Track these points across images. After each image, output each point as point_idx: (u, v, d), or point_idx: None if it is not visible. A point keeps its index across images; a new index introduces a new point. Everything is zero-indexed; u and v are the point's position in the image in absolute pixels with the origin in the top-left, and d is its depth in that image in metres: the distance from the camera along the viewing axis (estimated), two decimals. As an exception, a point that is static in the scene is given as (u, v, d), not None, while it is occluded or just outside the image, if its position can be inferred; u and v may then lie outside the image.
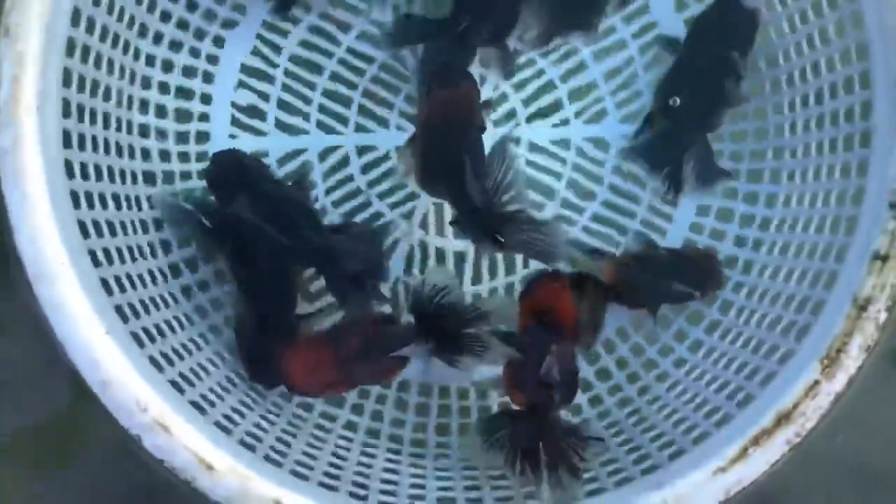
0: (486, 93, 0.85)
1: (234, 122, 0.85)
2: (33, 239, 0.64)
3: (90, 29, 0.72)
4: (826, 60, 0.78)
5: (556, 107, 0.86)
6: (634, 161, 0.83)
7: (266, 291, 0.76)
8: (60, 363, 0.64)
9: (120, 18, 0.76)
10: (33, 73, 0.66)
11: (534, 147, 0.86)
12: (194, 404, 0.68)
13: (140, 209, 0.77)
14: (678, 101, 0.81)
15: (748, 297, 0.80)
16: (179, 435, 0.64)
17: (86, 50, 0.72)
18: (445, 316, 0.72)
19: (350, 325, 0.74)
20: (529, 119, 0.86)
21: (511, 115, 0.86)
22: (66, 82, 0.69)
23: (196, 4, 0.84)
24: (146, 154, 0.81)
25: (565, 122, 0.86)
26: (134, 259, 0.74)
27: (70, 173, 0.69)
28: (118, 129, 0.78)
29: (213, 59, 0.85)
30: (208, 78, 0.85)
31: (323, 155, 0.85)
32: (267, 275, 0.75)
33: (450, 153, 0.72)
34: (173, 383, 0.68)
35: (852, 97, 0.74)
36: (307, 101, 0.85)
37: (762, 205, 0.83)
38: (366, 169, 0.85)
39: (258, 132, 0.85)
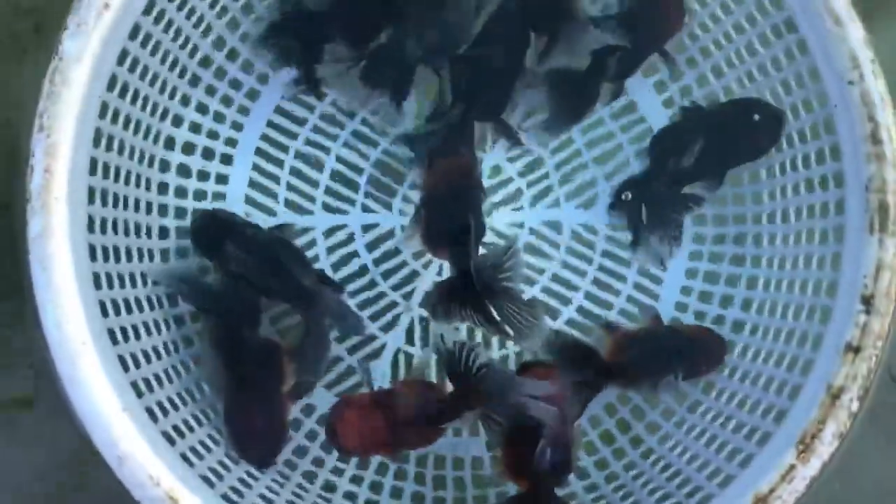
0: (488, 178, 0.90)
1: (248, 200, 0.89)
2: (59, 323, 0.68)
3: (115, 119, 0.76)
4: (802, 157, 0.82)
5: (548, 190, 0.91)
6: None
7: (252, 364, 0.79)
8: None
9: (143, 107, 0.81)
10: (64, 164, 0.70)
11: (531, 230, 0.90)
12: (204, 478, 0.72)
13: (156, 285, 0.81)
14: (630, 195, 0.87)
15: (730, 377, 0.83)
16: (192, 507, 0.68)
17: (110, 139, 0.76)
18: (483, 383, 0.74)
19: (404, 390, 0.76)
20: (533, 202, 0.90)
21: (516, 197, 0.91)
22: (93, 170, 0.73)
23: (214, 89, 0.88)
24: (164, 232, 0.85)
25: (556, 204, 0.91)
26: (149, 333, 0.78)
27: (93, 256, 0.73)
28: (137, 209, 0.81)
29: (231, 142, 0.89)
30: (226, 160, 0.89)
31: (328, 233, 0.89)
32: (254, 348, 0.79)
33: (451, 215, 0.77)
34: (184, 457, 0.72)
35: (827, 193, 0.79)
36: (314, 183, 0.90)
37: (743, 286, 0.87)
38: (370, 247, 0.89)
39: (269, 212, 0.89)
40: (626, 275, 0.90)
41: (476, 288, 0.74)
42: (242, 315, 0.79)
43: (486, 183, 0.89)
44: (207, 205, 0.88)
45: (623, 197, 0.88)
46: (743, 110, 0.83)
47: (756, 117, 0.82)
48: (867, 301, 0.72)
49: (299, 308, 0.81)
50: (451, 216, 0.77)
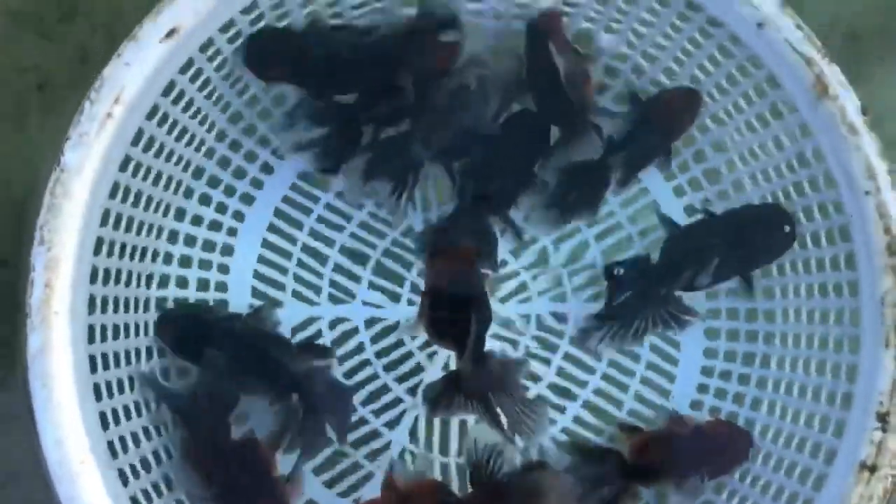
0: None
1: (253, 292, 0.88)
2: (59, 441, 0.66)
3: (117, 224, 0.75)
4: (816, 261, 0.81)
5: (556, 283, 0.89)
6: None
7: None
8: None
9: (147, 207, 0.80)
10: (65, 278, 0.69)
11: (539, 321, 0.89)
12: None
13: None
14: (622, 271, 0.84)
15: (741, 479, 0.81)
16: None
17: (112, 244, 0.75)
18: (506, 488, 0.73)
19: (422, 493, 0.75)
20: (540, 294, 0.89)
21: (522, 290, 0.89)
22: (93, 279, 0.72)
23: (218, 180, 0.87)
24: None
25: (562, 297, 0.89)
26: (149, 439, 0.76)
27: (93, 367, 0.71)
28: (136, 309, 0.80)
29: (232, 232, 0.88)
30: (227, 251, 0.88)
31: (333, 324, 0.88)
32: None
33: (454, 307, 0.76)
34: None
35: (841, 300, 0.77)
36: (319, 274, 0.88)
37: (753, 385, 0.85)
38: (375, 339, 0.87)
39: (273, 301, 0.88)
40: (635, 370, 0.88)
41: (480, 382, 0.73)
42: (216, 420, 0.76)
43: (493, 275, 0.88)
44: (211, 295, 0.87)
45: (615, 272, 0.85)
46: (758, 216, 0.82)
47: (771, 223, 0.81)
48: (883, 418, 0.71)
49: (287, 400, 0.78)
50: (453, 308, 0.76)
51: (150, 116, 0.74)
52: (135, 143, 0.74)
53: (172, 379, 0.81)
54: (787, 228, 0.80)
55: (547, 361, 0.88)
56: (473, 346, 0.74)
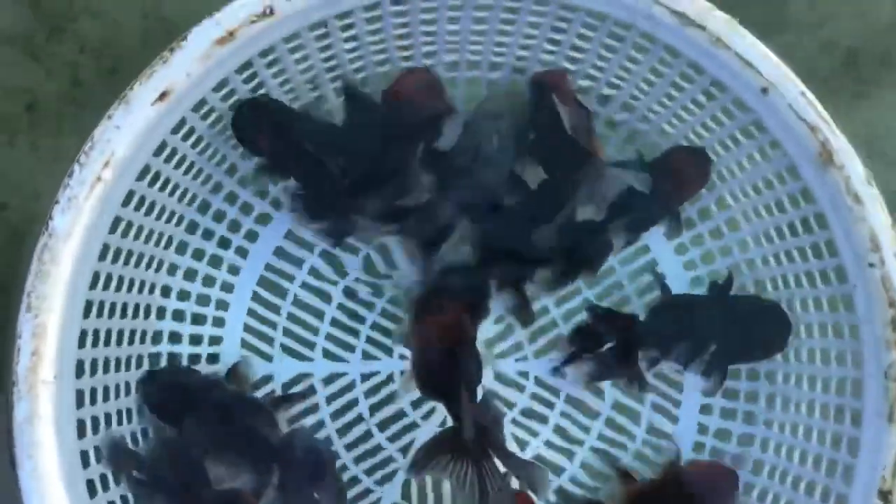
0: (491, 327, 0.87)
1: (244, 344, 0.87)
2: (43, 512, 0.65)
3: (107, 285, 0.74)
4: (819, 326, 0.79)
5: (555, 343, 0.88)
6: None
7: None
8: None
9: (137, 264, 0.78)
10: (53, 344, 0.67)
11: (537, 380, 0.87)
12: None
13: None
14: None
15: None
16: None
17: (101, 304, 0.73)
18: None
19: None
20: (537, 355, 0.87)
21: (518, 347, 0.88)
22: (82, 343, 0.71)
23: (211, 233, 0.86)
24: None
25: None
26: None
27: (82, 432, 0.70)
28: (127, 367, 0.79)
29: (226, 287, 0.87)
30: (222, 305, 0.87)
31: (328, 380, 0.86)
32: None
33: (443, 372, 0.75)
34: None
35: (844, 369, 0.76)
36: (314, 330, 0.87)
37: (757, 447, 0.84)
38: (368, 394, 0.86)
39: (265, 356, 0.87)
40: (635, 432, 0.87)
41: (469, 442, 0.73)
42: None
43: (491, 331, 0.87)
44: (203, 349, 0.86)
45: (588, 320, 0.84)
46: (757, 313, 0.81)
47: (769, 323, 0.80)
48: (885, 496, 0.69)
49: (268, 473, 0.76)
50: (444, 363, 0.75)
51: (140, 177, 0.73)
52: (125, 203, 0.72)
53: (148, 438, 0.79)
54: (786, 333, 0.79)
55: (544, 419, 0.87)
56: (467, 400, 0.73)
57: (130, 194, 0.72)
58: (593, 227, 0.81)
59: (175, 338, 0.85)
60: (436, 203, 0.79)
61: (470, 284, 0.81)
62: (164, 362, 0.83)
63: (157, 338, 0.83)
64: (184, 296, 0.85)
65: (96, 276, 0.72)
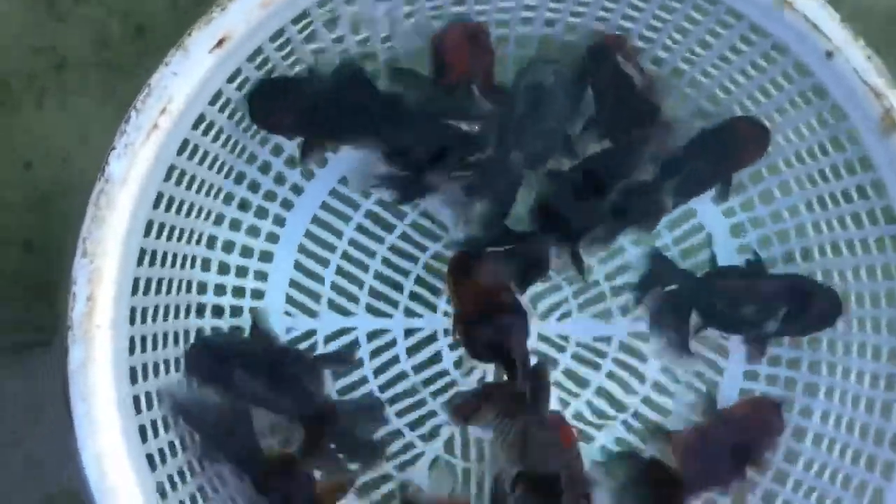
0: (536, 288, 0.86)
1: (288, 299, 0.86)
2: (98, 456, 0.65)
3: (160, 233, 0.73)
4: (871, 295, 0.78)
5: (599, 298, 0.87)
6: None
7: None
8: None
9: (188, 214, 0.77)
10: (108, 290, 0.67)
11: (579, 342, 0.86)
12: None
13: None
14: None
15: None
16: None
17: (153, 253, 0.73)
18: None
19: None
20: (581, 311, 0.86)
21: (562, 305, 0.87)
22: (135, 290, 0.70)
23: (258, 185, 0.85)
24: (200, 334, 0.82)
25: (607, 315, 0.87)
26: (185, 449, 0.74)
27: (134, 378, 0.69)
28: (176, 316, 0.78)
29: (271, 238, 0.86)
30: (266, 257, 0.86)
31: (370, 336, 0.86)
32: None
33: (490, 333, 0.76)
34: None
35: None
36: (359, 283, 0.86)
37: (795, 413, 0.83)
38: (411, 351, 0.85)
39: (309, 311, 0.86)
40: (677, 391, 0.86)
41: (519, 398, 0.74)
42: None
43: (535, 289, 0.86)
44: (247, 302, 0.85)
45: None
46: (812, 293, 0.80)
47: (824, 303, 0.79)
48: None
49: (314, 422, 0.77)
50: (490, 327, 0.76)
51: (195, 126, 0.71)
52: (180, 152, 0.71)
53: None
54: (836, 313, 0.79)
55: (584, 382, 0.86)
56: (520, 361, 0.74)
57: (185, 143, 0.71)
58: (647, 187, 0.80)
59: (220, 290, 0.84)
60: (498, 159, 0.78)
61: (528, 245, 0.80)
62: (207, 314, 0.83)
63: (202, 289, 0.83)
64: (228, 247, 0.84)
65: (150, 224, 0.70)
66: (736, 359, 0.86)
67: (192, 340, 0.79)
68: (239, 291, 0.85)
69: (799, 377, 0.83)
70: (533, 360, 0.79)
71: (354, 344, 0.85)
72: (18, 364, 0.89)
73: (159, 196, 0.71)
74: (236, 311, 0.85)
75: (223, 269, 0.84)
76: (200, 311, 0.82)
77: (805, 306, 0.78)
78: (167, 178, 0.71)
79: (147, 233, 0.70)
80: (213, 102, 0.72)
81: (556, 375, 0.85)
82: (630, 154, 0.78)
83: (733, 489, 0.78)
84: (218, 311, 0.84)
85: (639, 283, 0.84)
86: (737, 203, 0.87)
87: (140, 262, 0.70)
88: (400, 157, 0.79)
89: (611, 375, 0.86)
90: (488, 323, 0.76)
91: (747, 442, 0.78)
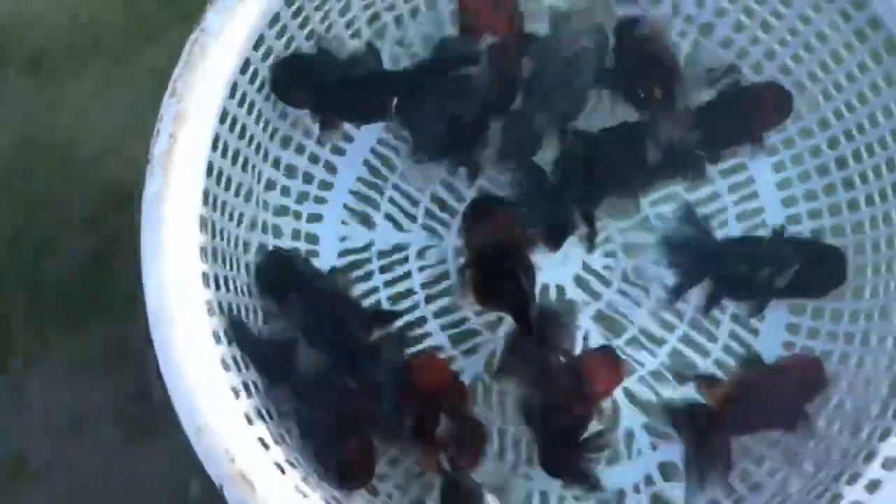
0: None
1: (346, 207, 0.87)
2: (160, 285, 0.65)
3: (242, 103, 0.75)
4: None
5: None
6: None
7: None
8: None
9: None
10: (190, 132, 0.68)
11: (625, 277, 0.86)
12: (277, 465, 0.67)
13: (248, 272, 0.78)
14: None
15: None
16: (263, 492, 0.63)
17: (234, 121, 0.74)
18: None
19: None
20: (627, 250, 0.86)
21: (608, 241, 0.86)
22: (214, 146, 0.71)
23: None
24: (264, 227, 0.83)
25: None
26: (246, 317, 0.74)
27: (203, 228, 0.69)
28: (247, 199, 0.80)
29: (338, 150, 0.88)
30: (330, 168, 0.87)
31: (421, 252, 0.86)
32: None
33: (499, 276, 0.76)
34: (261, 441, 0.67)
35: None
36: (415, 202, 0.87)
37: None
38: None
39: (368, 222, 0.87)
40: (717, 335, 0.84)
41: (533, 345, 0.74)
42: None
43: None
44: (305, 208, 0.86)
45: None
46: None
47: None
48: None
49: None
50: (499, 273, 0.76)
51: (289, 3, 0.74)
52: (271, 25, 0.73)
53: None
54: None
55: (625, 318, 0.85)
56: (526, 308, 0.74)
57: (276, 17, 0.74)
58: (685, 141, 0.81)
59: (285, 191, 0.85)
60: (526, 113, 0.80)
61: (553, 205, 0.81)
62: (270, 209, 0.84)
63: (270, 185, 0.84)
64: (300, 149, 0.86)
65: (234, 88, 0.72)
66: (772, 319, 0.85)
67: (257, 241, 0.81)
68: (303, 196, 0.86)
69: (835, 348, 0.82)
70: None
71: (406, 260, 0.86)
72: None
73: (246, 63, 0.73)
74: (297, 215, 0.86)
75: (290, 171, 0.86)
76: (265, 206, 0.83)
77: (818, 266, 0.79)
78: (256, 47, 0.73)
79: (231, 95, 0.72)
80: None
81: (599, 306, 0.85)
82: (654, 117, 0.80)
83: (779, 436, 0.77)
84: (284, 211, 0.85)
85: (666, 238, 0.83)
86: (787, 157, 0.87)
87: (222, 120, 0.72)
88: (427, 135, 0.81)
89: (653, 313, 0.85)
90: (495, 270, 0.76)
91: (790, 394, 0.76)
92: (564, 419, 0.74)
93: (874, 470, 0.67)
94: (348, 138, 0.87)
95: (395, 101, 0.80)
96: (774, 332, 0.84)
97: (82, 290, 0.88)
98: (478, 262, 0.78)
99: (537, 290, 0.80)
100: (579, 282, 0.85)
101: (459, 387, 0.76)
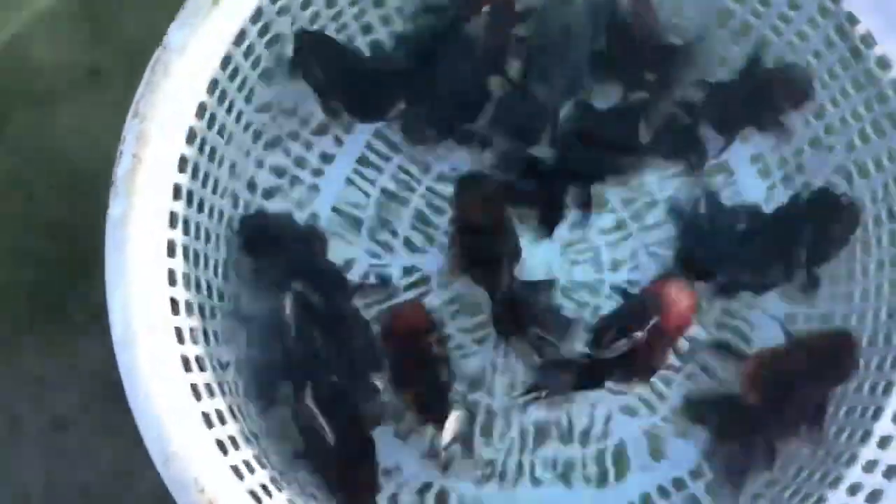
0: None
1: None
2: (124, 306, 0.62)
3: (211, 124, 0.71)
4: None
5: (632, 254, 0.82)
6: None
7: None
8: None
9: (238, 120, 0.76)
10: (154, 153, 0.65)
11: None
12: (251, 493, 0.63)
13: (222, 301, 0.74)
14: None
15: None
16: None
17: (203, 141, 0.71)
18: None
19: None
20: (614, 266, 0.82)
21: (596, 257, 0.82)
22: (182, 168, 0.68)
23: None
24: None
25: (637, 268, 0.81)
26: (218, 342, 0.70)
27: (171, 252, 0.66)
28: (219, 220, 0.75)
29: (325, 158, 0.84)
30: (317, 173, 0.83)
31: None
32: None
33: (481, 250, 0.74)
34: (234, 469, 0.63)
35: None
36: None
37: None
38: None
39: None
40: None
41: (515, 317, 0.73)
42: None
43: (567, 237, 0.81)
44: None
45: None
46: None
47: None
48: None
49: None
50: (484, 246, 0.74)
51: (253, 20, 0.71)
52: (237, 43, 0.71)
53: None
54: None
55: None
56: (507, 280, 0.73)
57: (242, 34, 0.71)
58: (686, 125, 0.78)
59: (268, 194, 0.81)
60: (524, 91, 0.77)
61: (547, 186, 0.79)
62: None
63: (252, 187, 0.80)
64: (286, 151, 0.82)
65: (202, 108, 0.69)
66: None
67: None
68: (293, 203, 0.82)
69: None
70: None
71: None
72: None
73: (214, 83, 0.70)
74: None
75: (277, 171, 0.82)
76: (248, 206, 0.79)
77: (832, 215, 0.75)
78: (223, 66, 0.70)
79: (199, 115, 0.69)
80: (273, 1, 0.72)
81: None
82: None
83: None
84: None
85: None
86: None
87: (190, 140, 0.69)
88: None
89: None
90: (477, 247, 0.74)
91: (822, 369, 0.72)
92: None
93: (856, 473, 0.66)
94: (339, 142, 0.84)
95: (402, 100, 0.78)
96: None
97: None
98: (461, 239, 0.76)
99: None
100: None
101: (430, 326, 0.74)
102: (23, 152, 0.87)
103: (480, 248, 0.74)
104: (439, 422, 0.72)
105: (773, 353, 0.73)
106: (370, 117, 0.81)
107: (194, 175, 0.70)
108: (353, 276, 0.80)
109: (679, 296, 0.73)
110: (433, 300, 0.80)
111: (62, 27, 0.89)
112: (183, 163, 0.68)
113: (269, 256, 0.74)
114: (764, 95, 0.78)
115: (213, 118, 0.72)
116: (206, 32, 0.67)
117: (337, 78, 0.78)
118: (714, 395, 0.76)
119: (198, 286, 0.70)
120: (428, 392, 0.73)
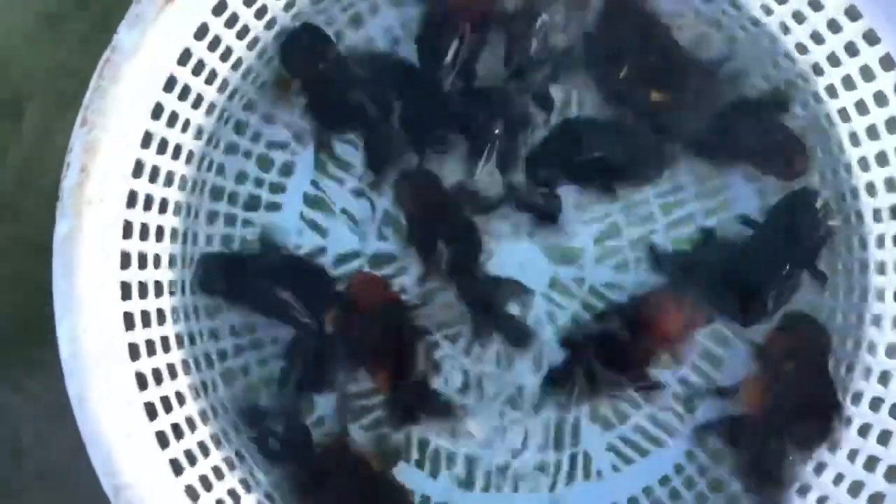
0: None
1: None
2: (73, 337, 0.58)
3: (172, 123, 0.65)
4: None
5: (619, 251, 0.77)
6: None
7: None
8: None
9: (196, 105, 0.68)
10: (104, 164, 0.59)
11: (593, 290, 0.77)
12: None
13: (184, 294, 0.69)
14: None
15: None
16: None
17: (164, 142, 0.65)
18: None
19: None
20: (598, 261, 0.77)
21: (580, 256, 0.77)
22: (137, 173, 0.62)
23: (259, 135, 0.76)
24: (209, 241, 0.74)
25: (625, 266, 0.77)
26: (167, 350, 0.66)
27: (126, 263, 0.62)
28: (187, 215, 0.70)
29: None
30: (286, 171, 0.77)
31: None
32: None
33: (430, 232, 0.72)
34: (188, 489, 0.61)
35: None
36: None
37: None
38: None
39: (320, 230, 0.77)
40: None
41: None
42: None
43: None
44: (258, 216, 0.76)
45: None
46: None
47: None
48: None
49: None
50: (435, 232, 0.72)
51: (216, 12, 0.64)
52: (198, 36, 0.63)
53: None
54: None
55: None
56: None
57: (204, 27, 0.63)
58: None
59: (233, 198, 0.75)
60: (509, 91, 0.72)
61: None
62: (220, 221, 0.74)
63: (218, 195, 0.74)
64: (246, 154, 0.76)
65: (159, 108, 0.63)
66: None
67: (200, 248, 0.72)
68: (255, 200, 0.76)
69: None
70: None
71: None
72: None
73: (172, 80, 0.63)
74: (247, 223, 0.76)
75: (241, 178, 0.75)
76: (212, 218, 0.73)
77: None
78: (182, 62, 0.63)
79: (156, 116, 0.63)
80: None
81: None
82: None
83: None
84: (230, 220, 0.75)
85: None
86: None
87: (145, 144, 0.63)
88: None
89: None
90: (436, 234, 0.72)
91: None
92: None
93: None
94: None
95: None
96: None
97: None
98: (413, 233, 0.73)
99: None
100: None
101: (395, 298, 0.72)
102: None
103: (428, 236, 0.72)
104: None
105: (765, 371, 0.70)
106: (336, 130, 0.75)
107: (153, 178, 0.64)
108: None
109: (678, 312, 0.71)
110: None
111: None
112: (139, 167, 0.62)
113: (228, 299, 0.70)
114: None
115: (173, 116, 0.65)
116: (161, 31, 0.60)
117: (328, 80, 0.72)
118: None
119: (157, 292, 0.65)
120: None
